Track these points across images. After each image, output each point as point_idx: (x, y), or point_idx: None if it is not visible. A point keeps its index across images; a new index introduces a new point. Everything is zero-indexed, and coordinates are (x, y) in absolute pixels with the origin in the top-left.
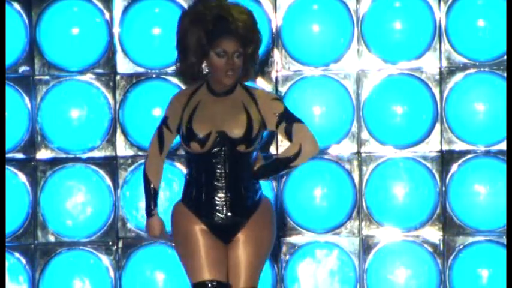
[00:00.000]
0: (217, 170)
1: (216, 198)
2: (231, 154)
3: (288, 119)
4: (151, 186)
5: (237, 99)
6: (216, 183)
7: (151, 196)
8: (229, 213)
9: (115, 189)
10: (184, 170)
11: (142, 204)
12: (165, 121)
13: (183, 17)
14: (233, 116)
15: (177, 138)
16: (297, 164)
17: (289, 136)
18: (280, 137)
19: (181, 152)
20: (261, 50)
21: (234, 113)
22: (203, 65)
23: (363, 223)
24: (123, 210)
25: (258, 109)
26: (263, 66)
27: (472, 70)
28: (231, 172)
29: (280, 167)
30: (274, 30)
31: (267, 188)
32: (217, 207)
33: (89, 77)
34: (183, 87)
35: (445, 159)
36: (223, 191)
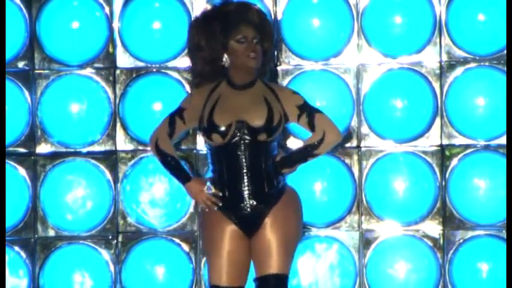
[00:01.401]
0: (239, 161)
1: (239, 188)
2: (251, 144)
3: (309, 110)
4: (173, 157)
5: (257, 92)
6: (238, 173)
7: (177, 166)
8: (252, 202)
9: (115, 184)
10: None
11: (143, 198)
12: (178, 111)
13: (192, 25)
14: (254, 107)
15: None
16: (320, 152)
17: (311, 126)
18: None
19: (182, 146)
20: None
21: (254, 104)
22: (224, 59)
23: (363, 217)
24: (123, 204)
25: (279, 102)
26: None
27: (472, 64)
28: (252, 162)
29: (304, 154)
30: (274, 24)
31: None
32: (241, 198)
33: (89, 71)
34: (186, 84)
35: (445, 153)
36: (246, 181)
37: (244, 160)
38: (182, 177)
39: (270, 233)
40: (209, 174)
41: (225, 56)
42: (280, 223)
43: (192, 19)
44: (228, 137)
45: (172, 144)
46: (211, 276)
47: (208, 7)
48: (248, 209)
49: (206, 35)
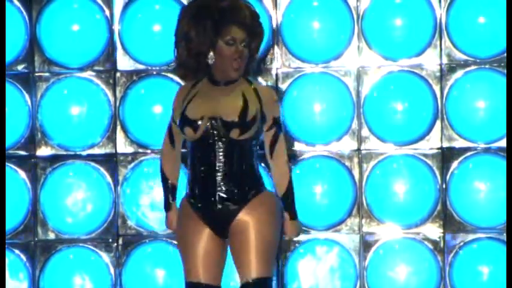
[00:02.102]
0: (212, 158)
1: (210, 186)
2: (225, 141)
3: (277, 129)
4: (169, 181)
5: (236, 88)
6: (210, 171)
7: (169, 191)
8: (222, 202)
9: (115, 187)
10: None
11: (143, 201)
12: (172, 115)
13: (184, 12)
14: (229, 101)
15: None
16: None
17: (272, 146)
18: (264, 138)
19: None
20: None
21: (230, 99)
22: (209, 56)
23: (363, 220)
24: (123, 207)
25: (259, 102)
26: (263, 63)
27: (473, 67)
28: (225, 160)
29: (292, 198)
30: (274, 27)
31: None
32: (211, 196)
33: (89, 74)
34: (183, 83)
35: (446, 156)
36: (217, 180)
37: (216, 158)
38: (166, 204)
39: (246, 237)
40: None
41: (211, 53)
42: (256, 226)
43: (185, 5)
44: (200, 132)
45: (178, 153)
46: (186, 273)
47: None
48: (217, 208)
49: (196, 27)
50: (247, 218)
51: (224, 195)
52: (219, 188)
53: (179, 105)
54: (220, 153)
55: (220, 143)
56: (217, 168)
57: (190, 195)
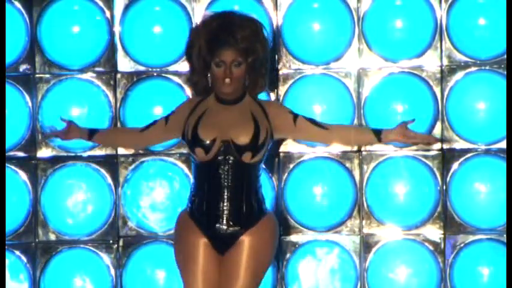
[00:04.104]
0: (221, 180)
1: (217, 208)
2: (235, 164)
3: (303, 115)
4: (100, 128)
5: (245, 108)
6: (218, 193)
7: (94, 129)
8: (229, 223)
9: (116, 188)
10: (185, 169)
11: (143, 203)
12: (168, 113)
13: (191, 30)
14: (240, 124)
15: (175, 139)
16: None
17: (317, 124)
18: (302, 133)
19: (182, 150)
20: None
21: (241, 121)
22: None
23: (364, 221)
24: (123, 208)
25: (267, 118)
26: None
27: (473, 68)
28: (234, 183)
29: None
30: (275, 28)
31: (267, 186)
32: (218, 217)
33: (89, 75)
34: (185, 86)
35: (446, 157)
36: (225, 201)
37: (225, 180)
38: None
39: (241, 254)
40: (190, 187)
41: (208, 74)
42: (254, 246)
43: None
44: (212, 154)
45: (136, 135)
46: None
47: (207, 13)
48: (223, 230)
49: (194, 48)
50: (249, 241)
51: (231, 218)
52: (226, 212)
53: (183, 115)
54: (230, 176)
55: (230, 166)
56: (225, 190)
57: (196, 212)
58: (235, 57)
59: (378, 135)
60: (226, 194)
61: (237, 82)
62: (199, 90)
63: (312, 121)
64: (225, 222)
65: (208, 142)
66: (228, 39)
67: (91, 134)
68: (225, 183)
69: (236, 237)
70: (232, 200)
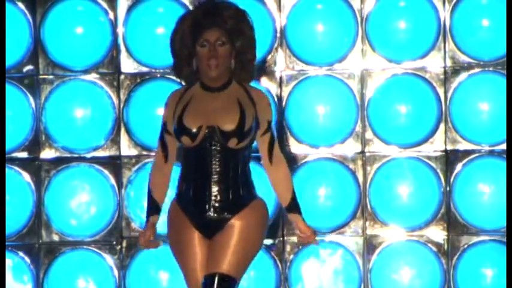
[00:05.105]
0: (207, 166)
1: (204, 194)
2: (222, 150)
3: (272, 133)
4: (153, 197)
5: (231, 95)
6: (205, 179)
7: (151, 207)
8: (216, 210)
9: (119, 189)
10: None
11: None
12: (164, 127)
13: (178, 21)
14: (226, 110)
15: None
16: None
17: (270, 149)
18: (259, 144)
19: None
20: (264, 49)
21: (227, 107)
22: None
23: (367, 223)
24: (127, 209)
25: (254, 107)
26: (267, 66)
27: (477, 70)
28: (221, 169)
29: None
30: (278, 29)
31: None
32: (205, 203)
33: (93, 76)
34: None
35: (449, 158)
36: (211, 187)
37: (212, 166)
38: (146, 220)
39: (229, 236)
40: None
41: (194, 61)
42: (242, 229)
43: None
44: (198, 141)
45: (169, 167)
46: (186, 275)
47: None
48: (211, 216)
49: (177, 35)
50: (237, 221)
51: (218, 205)
52: (213, 198)
53: (171, 112)
54: (216, 161)
55: (216, 152)
56: (212, 176)
57: (183, 199)
58: (219, 36)
59: (291, 208)
60: (213, 179)
61: (222, 65)
62: (185, 78)
63: (270, 146)
64: (212, 209)
65: (194, 130)
66: (214, 19)
67: (156, 212)
68: (212, 169)
69: (224, 222)
70: (219, 186)
